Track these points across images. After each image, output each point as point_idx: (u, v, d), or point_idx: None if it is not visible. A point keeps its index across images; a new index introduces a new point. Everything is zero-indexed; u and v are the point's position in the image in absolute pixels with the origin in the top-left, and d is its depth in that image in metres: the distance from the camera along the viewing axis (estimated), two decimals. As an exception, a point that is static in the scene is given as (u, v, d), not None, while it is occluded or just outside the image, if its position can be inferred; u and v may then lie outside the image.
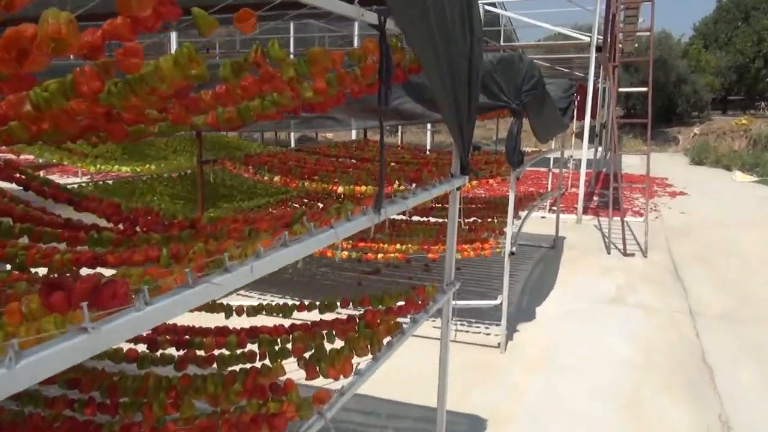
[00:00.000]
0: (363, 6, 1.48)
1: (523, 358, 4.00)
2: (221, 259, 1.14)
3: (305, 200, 6.00)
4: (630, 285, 5.67)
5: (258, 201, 5.91)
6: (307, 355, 2.11)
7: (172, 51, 1.18)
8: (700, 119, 26.65)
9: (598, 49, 8.49)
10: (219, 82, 1.58)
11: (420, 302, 2.24)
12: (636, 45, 19.82)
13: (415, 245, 4.44)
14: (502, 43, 16.22)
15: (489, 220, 5.27)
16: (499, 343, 4.14)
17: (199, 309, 2.04)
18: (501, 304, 4.06)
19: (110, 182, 6.55)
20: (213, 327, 2.52)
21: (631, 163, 17.61)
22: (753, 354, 4.12)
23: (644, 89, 8.74)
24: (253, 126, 4.86)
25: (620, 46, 11.74)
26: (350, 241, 4.53)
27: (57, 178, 6.31)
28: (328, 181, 4.56)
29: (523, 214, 5.58)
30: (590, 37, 8.76)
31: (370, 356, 1.88)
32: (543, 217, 8.97)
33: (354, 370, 1.77)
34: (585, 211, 9.37)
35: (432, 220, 5.49)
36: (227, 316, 2.66)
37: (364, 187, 4.36)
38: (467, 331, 4.49)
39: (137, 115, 1.59)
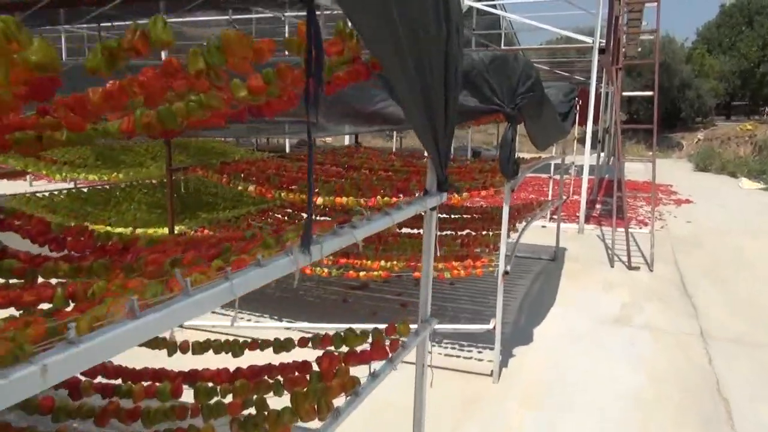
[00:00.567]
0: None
1: (518, 388, 3.62)
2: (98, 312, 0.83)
3: (288, 210, 5.63)
4: (635, 302, 5.28)
5: (239, 211, 5.55)
6: (245, 412, 1.74)
7: None
8: (704, 125, 26.28)
9: (601, 51, 8.13)
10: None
11: (388, 345, 1.86)
12: (639, 49, 19.47)
13: (402, 261, 4.06)
14: (502, 47, 15.90)
15: (484, 233, 4.90)
16: (492, 371, 3.76)
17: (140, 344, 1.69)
18: (494, 328, 3.67)
19: (85, 190, 6.18)
20: (150, 369, 2.15)
21: (634, 169, 17.22)
22: (773, 384, 3.73)
23: (649, 93, 8.38)
24: (217, 132, 4.50)
25: (623, 50, 11.38)
26: (332, 257, 4.16)
27: (45, 184, 5.96)
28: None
29: (521, 225, 5.21)
30: (593, 39, 8.40)
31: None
32: (543, 227, 8.59)
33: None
34: (587, 220, 8.98)
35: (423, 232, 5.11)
36: (170, 354, 2.28)
37: (345, 198, 3.99)
38: (457, 356, 4.10)
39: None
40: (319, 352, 1.86)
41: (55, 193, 5.95)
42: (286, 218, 5.61)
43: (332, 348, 2.04)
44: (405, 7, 1.34)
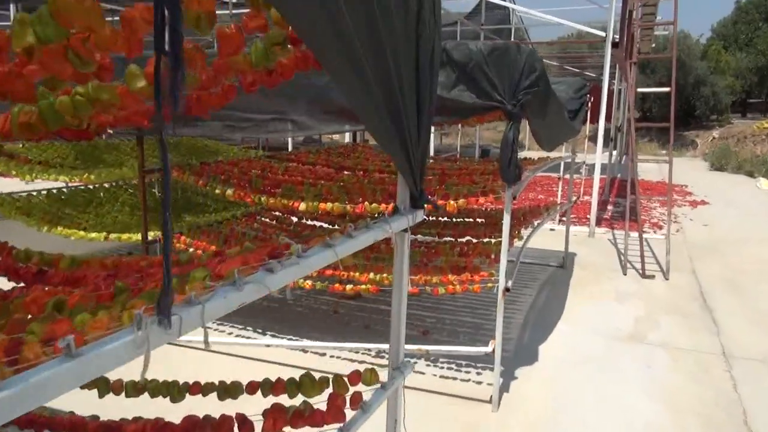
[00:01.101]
0: None
1: (519, 418, 3.24)
2: None
3: (276, 214, 5.27)
4: (651, 317, 4.87)
5: (222, 214, 5.20)
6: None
7: None
8: (720, 122, 25.59)
9: (614, 45, 7.68)
10: None
11: (347, 400, 1.49)
12: (653, 45, 18.91)
13: (392, 273, 3.68)
14: (512, 41, 15.44)
15: (486, 240, 4.50)
16: (491, 397, 3.38)
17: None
18: (493, 351, 3.29)
19: (65, 190, 5.85)
20: (67, 418, 1.80)
21: (647, 168, 16.69)
22: (807, 416, 3.32)
23: (666, 89, 7.93)
24: (190, 130, 4.14)
25: (637, 45, 10.91)
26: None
27: (42, 183, 5.63)
28: (292, 195, 3.83)
29: (528, 231, 4.81)
30: (606, 33, 7.95)
31: None
32: (552, 230, 8.16)
33: None
34: (598, 223, 8.55)
35: (419, 238, 4.73)
36: (101, 395, 1.93)
37: (330, 204, 3.62)
38: (454, 378, 3.72)
39: None
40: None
41: (34, 193, 5.63)
42: (274, 222, 5.25)
43: (287, 395, 1.68)
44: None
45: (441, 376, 3.73)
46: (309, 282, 3.82)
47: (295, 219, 5.31)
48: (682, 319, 4.83)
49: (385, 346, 3.80)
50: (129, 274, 1.63)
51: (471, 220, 5.13)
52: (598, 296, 5.40)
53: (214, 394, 1.82)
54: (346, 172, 4.88)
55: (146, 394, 1.87)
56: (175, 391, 1.81)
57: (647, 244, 6.80)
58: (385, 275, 3.67)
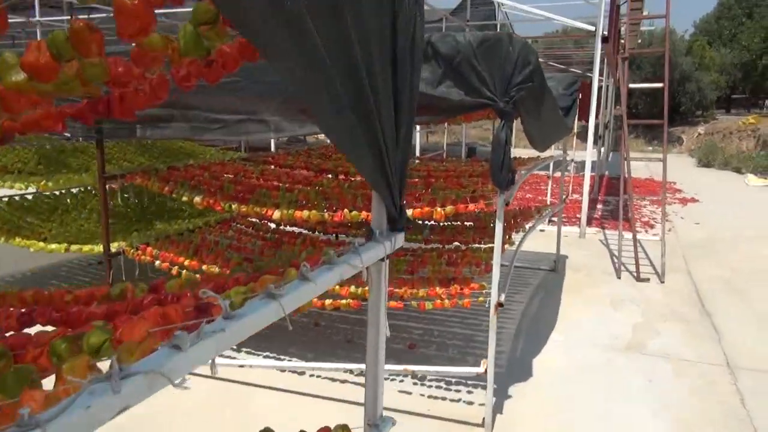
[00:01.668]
0: None
1: (515, 444, 2.97)
2: None
3: (254, 221, 4.96)
4: (649, 323, 4.63)
5: (195, 221, 4.88)
6: None
7: None
8: (705, 118, 25.65)
9: (605, 40, 7.45)
10: None
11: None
12: (639, 41, 18.80)
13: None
14: (497, 38, 15.24)
15: (476, 246, 4.24)
16: (483, 419, 3.11)
17: None
18: (485, 372, 3.01)
19: (29, 197, 5.49)
20: None
21: (634, 165, 16.55)
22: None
23: (657, 85, 7.74)
24: (158, 133, 3.82)
25: (623, 41, 10.73)
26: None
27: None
28: (266, 202, 3.53)
29: (520, 234, 4.55)
30: (595, 27, 7.73)
31: None
32: (542, 230, 7.90)
33: None
34: (589, 223, 8.33)
35: (404, 245, 4.45)
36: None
37: (307, 212, 3.33)
38: (443, 398, 3.45)
39: None
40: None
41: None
42: (251, 229, 4.94)
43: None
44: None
45: (429, 396, 3.45)
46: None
47: (273, 225, 5.01)
48: (682, 326, 4.60)
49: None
50: (46, 314, 1.33)
51: (459, 223, 4.86)
52: (592, 302, 5.16)
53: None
54: (327, 175, 4.58)
55: None
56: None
57: (640, 245, 6.59)
58: (367, 288, 3.38)
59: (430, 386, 3.57)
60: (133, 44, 0.99)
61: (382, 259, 1.21)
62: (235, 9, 0.73)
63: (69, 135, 3.63)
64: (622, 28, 10.55)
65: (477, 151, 17.56)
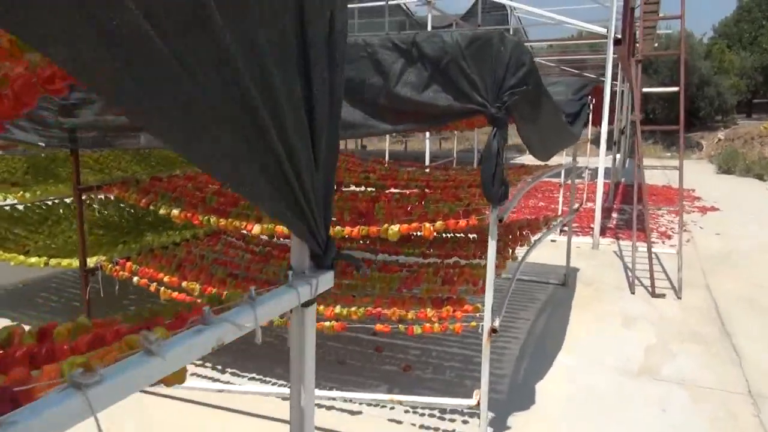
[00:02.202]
0: None
1: (512, 484, 2.69)
2: None
3: (244, 233, 4.74)
4: (664, 345, 4.31)
5: (182, 234, 4.67)
6: None
7: None
8: (725, 123, 25.00)
9: (617, 42, 7.15)
10: None
11: None
12: (656, 45, 18.37)
13: (364, 305, 3.15)
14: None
15: (476, 261, 3.96)
16: (479, 455, 2.84)
17: None
18: (478, 403, 2.74)
19: (19, 207, 5.34)
20: None
21: (652, 171, 16.12)
22: None
23: (673, 89, 7.41)
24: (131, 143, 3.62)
25: (638, 45, 10.39)
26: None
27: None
28: (248, 215, 3.30)
29: (526, 248, 4.27)
30: (607, 29, 7.43)
31: None
32: (553, 241, 7.59)
33: None
34: (603, 233, 8.00)
35: (401, 259, 4.20)
36: None
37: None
38: (436, 428, 3.18)
39: None
40: None
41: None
42: (241, 242, 4.73)
43: None
44: None
45: (421, 426, 3.19)
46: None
47: (265, 237, 4.79)
48: (699, 348, 4.27)
49: (361, 395, 3.26)
50: None
51: (462, 235, 4.58)
52: (603, 320, 4.84)
53: None
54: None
55: None
56: None
57: (656, 258, 6.25)
58: (354, 308, 3.14)
59: (423, 414, 3.30)
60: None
61: (307, 304, 0.96)
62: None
63: (44, 145, 3.45)
64: (639, 31, 10.21)
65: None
